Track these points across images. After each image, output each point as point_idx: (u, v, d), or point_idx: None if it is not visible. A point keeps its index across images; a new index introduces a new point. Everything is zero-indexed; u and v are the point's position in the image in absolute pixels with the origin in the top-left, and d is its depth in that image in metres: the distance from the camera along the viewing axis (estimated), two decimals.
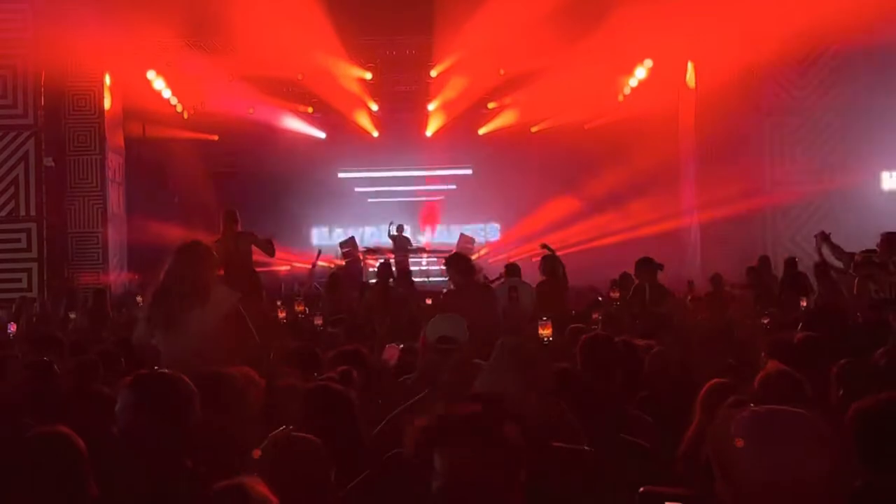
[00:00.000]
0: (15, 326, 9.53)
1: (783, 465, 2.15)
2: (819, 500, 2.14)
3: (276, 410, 3.89)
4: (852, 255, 10.32)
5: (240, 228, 10.85)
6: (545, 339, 5.88)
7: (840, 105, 16.29)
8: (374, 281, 14.43)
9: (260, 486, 2.64)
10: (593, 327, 8.40)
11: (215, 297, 5.64)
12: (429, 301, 12.15)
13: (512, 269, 12.39)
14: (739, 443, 3.27)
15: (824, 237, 10.72)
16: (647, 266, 10.70)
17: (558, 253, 11.81)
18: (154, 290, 5.75)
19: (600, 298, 12.54)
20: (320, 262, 18.35)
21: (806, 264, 12.90)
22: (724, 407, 2.92)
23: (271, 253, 10.97)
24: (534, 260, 13.82)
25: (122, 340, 7.05)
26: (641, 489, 1.72)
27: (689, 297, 11.84)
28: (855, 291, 9.68)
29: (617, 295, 11.71)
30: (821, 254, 11.03)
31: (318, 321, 9.47)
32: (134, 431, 3.13)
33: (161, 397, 3.16)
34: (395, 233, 20.44)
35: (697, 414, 3.91)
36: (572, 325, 7.36)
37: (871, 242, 10.21)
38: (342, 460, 3.39)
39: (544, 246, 11.97)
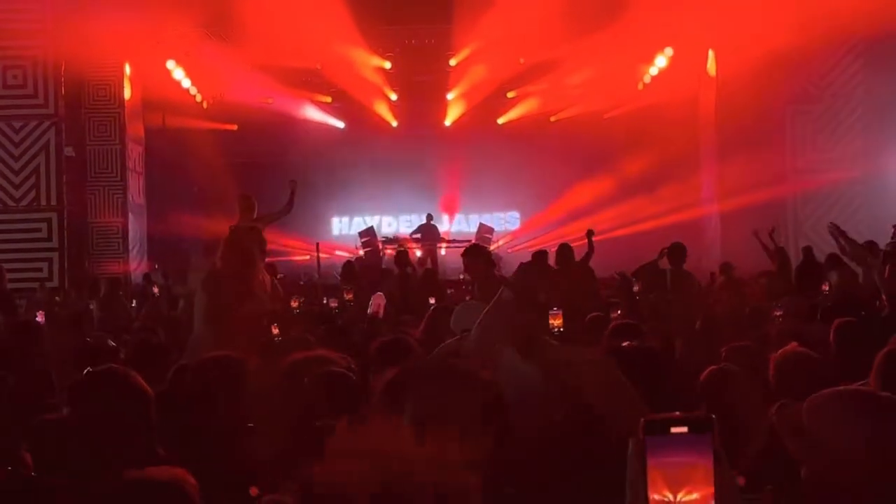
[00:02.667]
0: (43, 315, 9.56)
1: (882, 445, 2.21)
2: None
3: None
4: (870, 245, 10.24)
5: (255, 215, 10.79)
6: (556, 329, 5.84)
7: (863, 93, 16.14)
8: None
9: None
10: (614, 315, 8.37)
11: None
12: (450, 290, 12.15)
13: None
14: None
15: (839, 230, 10.57)
16: (670, 252, 10.64)
17: (573, 243, 11.69)
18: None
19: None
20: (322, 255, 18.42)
21: (826, 253, 12.79)
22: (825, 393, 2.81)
23: (286, 211, 11.39)
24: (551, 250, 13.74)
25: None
26: (644, 418, 1.69)
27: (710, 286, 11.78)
28: (887, 276, 9.53)
29: (638, 287, 11.59)
30: (840, 246, 10.90)
31: (333, 304, 9.81)
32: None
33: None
34: (425, 221, 20.44)
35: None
36: (592, 315, 7.30)
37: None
38: None
39: (589, 232, 11.88)
